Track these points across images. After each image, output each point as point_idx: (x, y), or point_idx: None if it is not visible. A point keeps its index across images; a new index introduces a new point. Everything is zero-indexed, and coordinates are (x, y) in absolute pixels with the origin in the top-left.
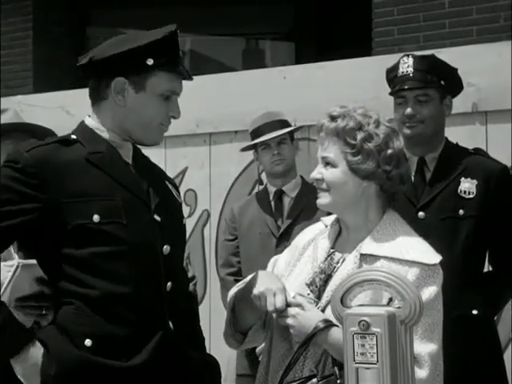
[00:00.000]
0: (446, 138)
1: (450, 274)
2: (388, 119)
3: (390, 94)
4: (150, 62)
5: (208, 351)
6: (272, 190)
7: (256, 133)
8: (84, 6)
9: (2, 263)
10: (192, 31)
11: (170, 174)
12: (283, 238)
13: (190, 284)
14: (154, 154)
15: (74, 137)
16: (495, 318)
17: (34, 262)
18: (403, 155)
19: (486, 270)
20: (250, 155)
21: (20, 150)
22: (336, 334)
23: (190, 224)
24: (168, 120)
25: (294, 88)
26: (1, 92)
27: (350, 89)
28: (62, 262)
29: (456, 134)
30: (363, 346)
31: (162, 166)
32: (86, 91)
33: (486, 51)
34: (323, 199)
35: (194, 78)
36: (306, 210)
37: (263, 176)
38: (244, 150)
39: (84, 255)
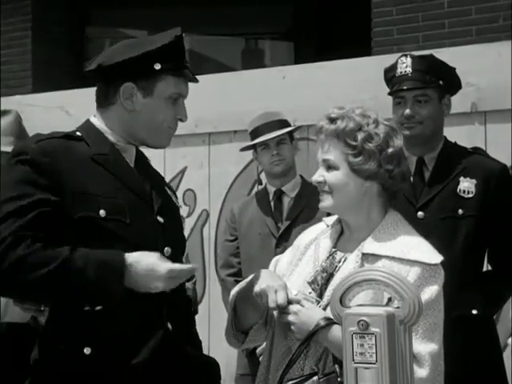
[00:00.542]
0: (445, 138)
1: (449, 273)
2: (386, 119)
3: (389, 94)
4: (158, 66)
5: (207, 351)
6: (271, 189)
7: (255, 133)
8: (83, 6)
9: None
10: (192, 31)
11: (170, 173)
12: (283, 239)
13: (190, 283)
14: (153, 154)
15: (79, 134)
16: (494, 317)
17: None
18: (403, 153)
19: (485, 269)
20: (249, 155)
21: (28, 142)
22: (337, 331)
23: (189, 224)
24: (175, 123)
25: (294, 88)
26: (0, 92)
27: (350, 89)
28: None
29: (455, 133)
30: (362, 345)
31: (161, 166)
32: (85, 91)
33: (486, 51)
34: (326, 202)
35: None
36: (305, 210)
37: (262, 176)
38: (243, 149)
39: None
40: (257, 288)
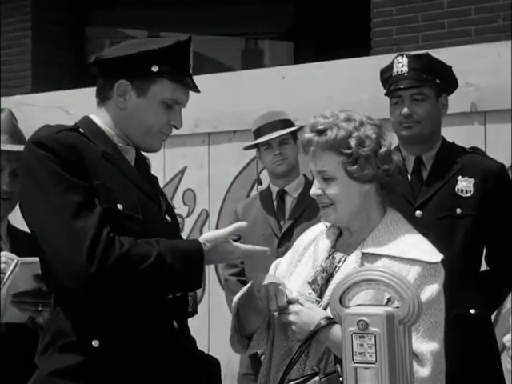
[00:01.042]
0: (443, 137)
1: (447, 273)
2: (369, 116)
3: (386, 94)
4: (155, 68)
5: (207, 351)
6: (275, 189)
7: (258, 132)
8: (83, 6)
9: (2, 253)
10: (191, 31)
11: (169, 173)
12: (285, 239)
13: None
14: (153, 154)
15: (81, 131)
16: (493, 318)
17: (33, 259)
18: (391, 145)
19: (483, 268)
20: (249, 155)
21: (47, 132)
22: (338, 331)
23: (188, 224)
24: (169, 128)
25: (293, 88)
26: (0, 92)
27: (349, 89)
28: None
29: (455, 133)
30: (362, 345)
31: (161, 166)
32: (85, 91)
33: (485, 51)
34: (330, 216)
35: (193, 77)
36: (308, 209)
37: (262, 176)
38: (247, 148)
39: None
40: (256, 292)
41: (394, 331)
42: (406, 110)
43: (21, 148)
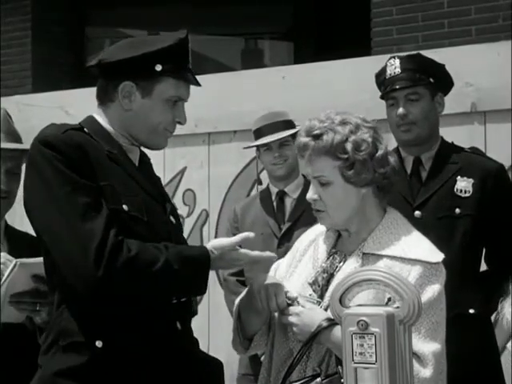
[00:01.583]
0: (442, 138)
1: (447, 272)
2: (364, 118)
3: (381, 97)
4: (159, 67)
5: (207, 351)
6: (274, 190)
7: (258, 132)
8: (83, 6)
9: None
10: (191, 31)
11: (169, 173)
12: (285, 239)
13: None
14: (153, 154)
15: (86, 130)
16: (493, 319)
17: (31, 260)
18: (387, 147)
19: (482, 269)
20: (249, 155)
21: (53, 132)
22: (339, 332)
23: (188, 224)
24: (173, 125)
25: (293, 88)
26: (0, 92)
27: (349, 88)
28: None
29: (455, 133)
30: (362, 345)
31: (161, 166)
32: (84, 91)
33: (485, 51)
34: (326, 221)
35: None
36: (308, 210)
37: (262, 176)
38: (246, 148)
39: None
40: (257, 293)
41: (394, 331)
42: (401, 110)
43: (18, 146)
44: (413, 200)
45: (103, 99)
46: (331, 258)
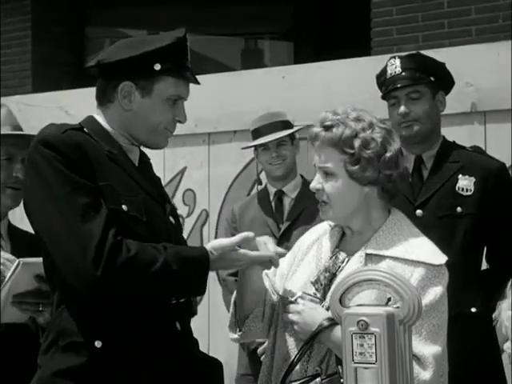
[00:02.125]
0: (443, 137)
1: (448, 272)
2: (382, 120)
3: (383, 96)
4: (158, 67)
5: (207, 351)
6: (272, 190)
7: (256, 133)
8: (83, 6)
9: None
10: (191, 31)
11: (169, 173)
12: (284, 239)
13: None
14: (153, 154)
15: (86, 130)
16: (494, 317)
17: (34, 260)
18: (401, 153)
19: (483, 267)
20: (249, 155)
21: (53, 131)
22: (340, 332)
23: (188, 224)
24: (174, 124)
25: (293, 88)
26: (0, 92)
27: (349, 89)
28: None
29: (455, 133)
30: (362, 345)
31: (161, 166)
32: (84, 91)
33: (485, 51)
34: (327, 213)
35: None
36: (306, 210)
37: (262, 176)
38: (245, 148)
39: None
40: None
41: (394, 331)
42: (402, 108)
43: (29, 133)
44: (414, 199)
45: (103, 99)
46: (334, 257)
